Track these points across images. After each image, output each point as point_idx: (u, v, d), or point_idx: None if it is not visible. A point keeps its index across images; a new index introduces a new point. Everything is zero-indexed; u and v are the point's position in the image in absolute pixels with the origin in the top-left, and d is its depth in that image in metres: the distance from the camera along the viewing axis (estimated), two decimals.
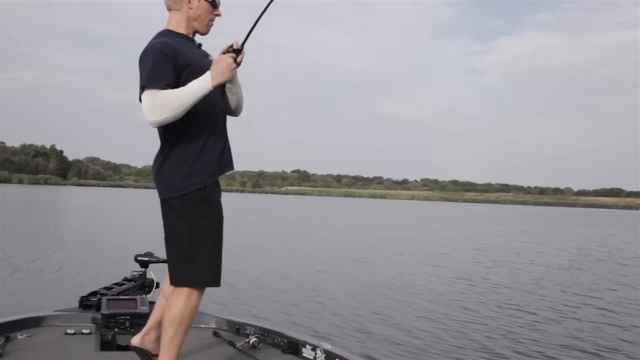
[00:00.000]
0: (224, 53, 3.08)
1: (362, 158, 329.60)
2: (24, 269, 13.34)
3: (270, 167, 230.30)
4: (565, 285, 14.25)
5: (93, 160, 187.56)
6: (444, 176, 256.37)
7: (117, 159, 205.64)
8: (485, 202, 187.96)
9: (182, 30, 3.24)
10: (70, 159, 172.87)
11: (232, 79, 3.23)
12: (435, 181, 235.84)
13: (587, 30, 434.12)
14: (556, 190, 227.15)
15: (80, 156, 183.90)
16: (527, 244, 27.62)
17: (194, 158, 3.14)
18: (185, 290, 3.18)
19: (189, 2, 3.21)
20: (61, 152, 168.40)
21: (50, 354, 3.75)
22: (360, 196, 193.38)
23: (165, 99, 2.95)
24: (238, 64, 3.10)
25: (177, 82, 3.04)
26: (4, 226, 23.52)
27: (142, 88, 3.02)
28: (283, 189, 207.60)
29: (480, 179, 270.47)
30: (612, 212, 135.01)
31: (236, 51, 3.07)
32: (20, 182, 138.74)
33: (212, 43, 3.37)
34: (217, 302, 8.93)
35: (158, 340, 3.39)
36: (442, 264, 17.64)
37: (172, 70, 3.03)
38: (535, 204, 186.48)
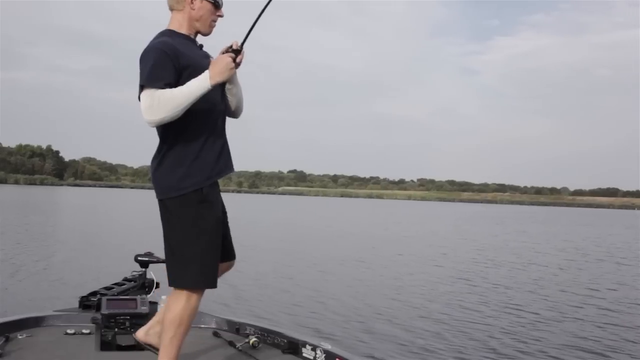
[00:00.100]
0: (223, 53, 3.08)
1: (358, 158, 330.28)
2: (23, 269, 13.33)
3: (266, 167, 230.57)
4: (565, 285, 14.23)
5: (89, 160, 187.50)
6: (441, 176, 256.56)
7: (113, 159, 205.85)
8: (481, 202, 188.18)
9: (183, 30, 3.23)
10: (66, 159, 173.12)
11: (231, 80, 3.22)
12: (432, 181, 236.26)
13: (583, 30, 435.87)
14: (553, 190, 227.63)
15: (77, 156, 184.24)
16: (525, 243, 27.60)
17: (193, 158, 3.12)
18: (184, 292, 3.17)
19: (192, 2, 3.20)
20: (57, 152, 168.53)
21: (50, 354, 3.74)
22: (357, 196, 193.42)
23: (164, 98, 2.94)
24: (237, 65, 3.09)
25: (178, 82, 3.02)
26: (3, 227, 23.49)
27: (141, 87, 3.01)
28: (280, 189, 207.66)
29: (476, 179, 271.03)
30: (608, 211, 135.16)
31: (235, 51, 3.06)
32: (16, 182, 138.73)
33: (211, 43, 3.37)
34: (217, 302, 8.92)
35: None
36: (442, 264, 17.62)
37: (173, 70, 3.02)
38: (532, 203, 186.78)
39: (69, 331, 4.17)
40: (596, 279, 15.60)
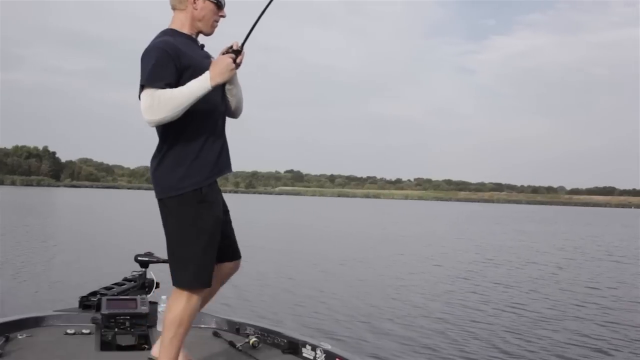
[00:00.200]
0: (223, 54, 3.08)
1: (355, 158, 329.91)
2: (23, 269, 13.37)
3: (263, 168, 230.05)
4: (566, 284, 14.26)
5: (86, 161, 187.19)
6: (437, 176, 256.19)
7: (110, 160, 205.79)
8: (478, 201, 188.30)
9: (185, 30, 3.23)
10: (63, 160, 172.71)
11: (231, 80, 3.22)
12: (429, 181, 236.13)
13: (579, 30, 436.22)
14: (549, 189, 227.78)
15: (73, 157, 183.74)
16: (523, 242, 27.65)
17: (192, 158, 3.12)
18: (185, 292, 3.18)
19: (194, 2, 3.19)
20: (54, 153, 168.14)
21: (50, 354, 3.74)
22: (354, 196, 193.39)
23: (164, 98, 2.94)
24: (238, 65, 3.09)
25: (179, 82, 3.02)
26: (2, 228, 23.48)
27: (142, 87, 3.00)
28: (277, 189, 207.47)
29: (473, 179, 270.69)
30: (605, 210, 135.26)
31: (236, 52, 3.06)
32: (13, 183, 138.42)
33: (210, 44, 3.36)
34: (217, 302, 8.88)
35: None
36: (441, 263, 17.66)
37: (174, 70, 3.01)
38: (529, 202, 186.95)
39: (69, 331, 4.17)
40: (596, 278, 15.63)
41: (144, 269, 4.81)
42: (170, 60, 3.01)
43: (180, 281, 3.18)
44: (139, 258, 4.76)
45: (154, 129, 3.17)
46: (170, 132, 3.12)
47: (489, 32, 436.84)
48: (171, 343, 3.19)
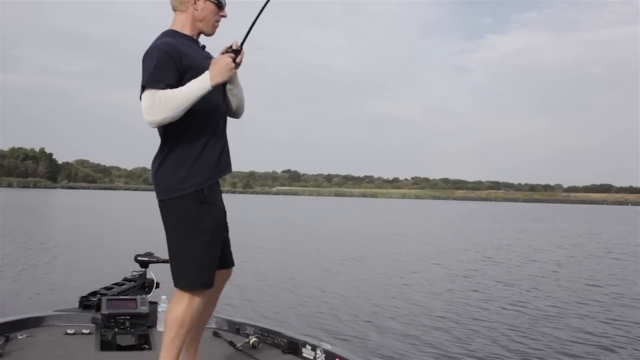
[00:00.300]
0: (223, 54, 3.07)
1: (352, 157, 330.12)
2: (23, 270, 13.41)
3: (260, 168, 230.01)
4: (566, 281, 14.24)
5: (83, 162, 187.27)
6: (435, 174, 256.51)
7: (107, 161, 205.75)
8: (475, 199, 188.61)
9: (186, 31, 3.22)
10: (60, 161, 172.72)
11: (232, 80, 3.22)
12: (426, 179, 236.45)
13: (575, 28, 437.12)
14: (546, 187, 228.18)
15: (70, 159, 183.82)
16: (522, 240, 27.63)
17: (194, 159, 3.12)
18: (187, 293, 3.17)
19: (195, 3, 3.19)
20: (50, 155, 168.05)
21: (50, 354, 3.75)
22: (351, 195, 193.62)
23: (164, 99, 2.93)
24: (238, 65, 3.09)
25: (180, 83, 3.01)
26: (2, 229, 23.49)
27: (143, 88, 3.00)
28: (274, 189, 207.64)
29: (470, 177, 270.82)
30: (602, 207, 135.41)
31: (235, 51, 3.06)
32: (9, 185, 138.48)
33: (209, 45, 3.35)
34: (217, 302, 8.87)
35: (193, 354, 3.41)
36: (440, 262, 17.62)
37: (175, 71, 3.01)
38: (526, 200, 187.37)
39: (69, 331, 4.18)
40: (596, 275, 15.61)
41: (144, 269, 4.82)
42: (171, 61, 3.00)
43: (181, 282, 3.17)
44: (139, 258, 4.76)
45: (154, 131, 3.16)
46: (172, 133, 3.11)
47: (485, 31, 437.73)
48: (172, 343, 3.18)
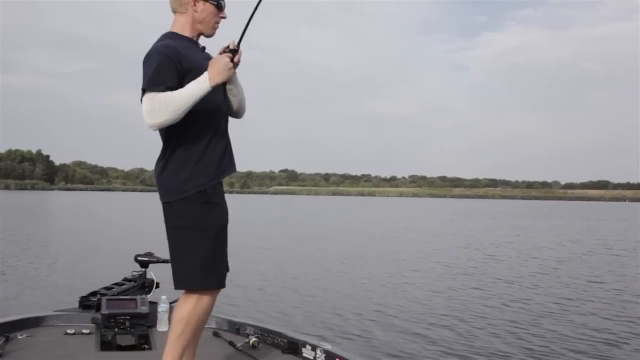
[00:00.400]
0: (220, 54, 3.08)
1: (350, 156, 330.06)
2: (23, 270, 13.45)
3: (258, 167, 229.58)
4: (568, 278, 14.20)
5: (80, 164, 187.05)
6: (432, 172, 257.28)
7: (104, 163, 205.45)
8: (473, 197, 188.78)
9: (186, 33, 3.22)
10: (57, 163, 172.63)
11: (231, 80, 3.21)
12: (423, 177, 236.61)
13: (571, 25, 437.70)
14: (544, 184, 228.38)
15: (67, 160, 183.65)
16: (521, 238, 27.59)
17: (197, 160, 3.12)
18: (196, 293, 3.17)
19: (195, 4, 3.19)
20: (47, 156, 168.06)
21: (50, 354, 3.75)
22: (349, 194, 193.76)
23: (164, 101, 2.94)
24: (236, 64, 3.09)
25: (180, 85, 3.01)
26: (1, 230, 23.49)
27: (143, 91, 3.01)
28: (271, 188, 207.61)
29: (467, 175, 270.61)
30: (600, 204, 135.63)
31: (233, 51, 3.06)
32: (7, 187, 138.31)
33: (210, 45, 3.35)
34: (217, 302, 8.83)
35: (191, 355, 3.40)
36: (441, 260, 17.56)
37: (175, 73, 3.01)
38: (523, 198, 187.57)
39: (69, 331, 4.18)
40: (598, 272, 15.56)
41: (144, 269, 4.82)
42: (171, 63, 3.01)
43: (190, 282, 3.16)
44: (139, 258, 4.76)
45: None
46: (173, 135, 3.12)
47: (481, 29, 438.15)
48: (178, 340, 3.18)
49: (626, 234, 32.11)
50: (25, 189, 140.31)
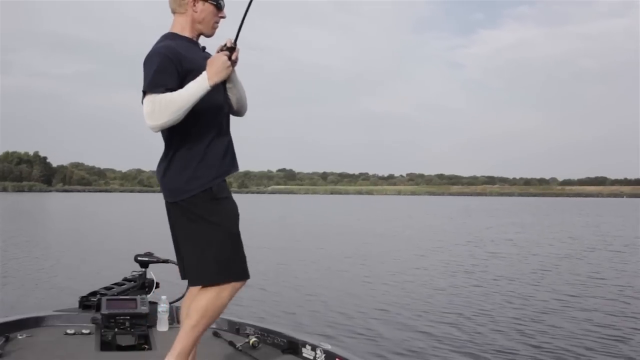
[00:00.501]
0: (218, 52, 3.08)
1: (347, 155, 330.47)
2: (23, 270, 13.47)
3: (255, 167, 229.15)
4: (569, 275, 14.18)
5: (77, 165, 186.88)
6: (430, 170, 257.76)
7: (101, 164, 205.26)
8: (471, 194, 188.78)
9: (186, 33, 3.22)
10: (54, 165, 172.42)
11: (231, 79, 3.20)
12: (421, 175, 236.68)
13: (567, 21, 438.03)
14: (541, 181, 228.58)
15: (65, 162, 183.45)
16: (521, 235, 27.56)
17: (199, 160, 3.12)
18: (214, 287, 3.15)
19: (194, 5, 3.19)
20: (45, 158, 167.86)
21: (50, 354, 3.75)
22: (347, 193, 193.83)
23: (164, 102, 2.94)
24: (234, 62, 3.09)
25: (181, 86, 3.01)
26: (1, 231, 23.50)
27: (144, 93, 3.01)
28: (269, 188, 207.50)
29: (465, 172, 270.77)
30: (598, 200, 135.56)
31: (230, 49, 3.06)
32: (4, 189, 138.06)
33: (210, 45, 3.35)
34: None
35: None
36: (441, 258, 17.52)
37: (175, 74, 3.01)
38: (521, 195, 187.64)
39: (69, 331, 4.18)
40: (599, 268, 15.54)
41: (143, 269, 4.81)
42: (171, 64, 3.01)
43: (206, 278, 3.16)
44: (139, 258, 4.76)
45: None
46: (175, 136, 3.12)
47: (477, 26, 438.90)
48: (192, 330, 3.16)
49: (625, 230, 32.11)
50: (23, 190, 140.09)
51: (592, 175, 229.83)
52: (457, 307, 10.16)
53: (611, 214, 55.18)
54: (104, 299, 4.26)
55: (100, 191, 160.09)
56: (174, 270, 4.55)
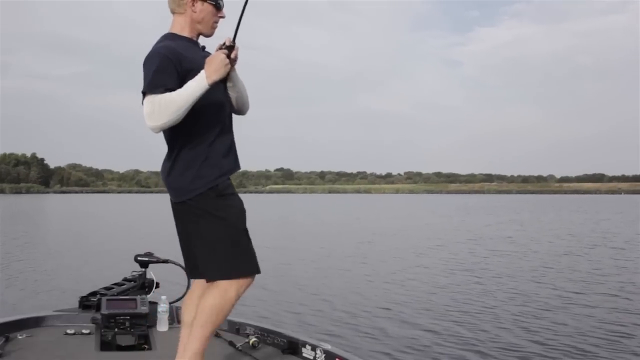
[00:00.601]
0: (217, 51, 3.08)
1: (345, 154, 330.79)
2: (23, 270, 13.51)
3: (253, 167, 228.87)
4: (570, 272, 14.17)
5: (75, 166, 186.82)
6: (428, 169, 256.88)
7: (99, 165, 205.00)
8: (469, 192, 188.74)
9: (186, 33, 3.22)
10: (51, 166, 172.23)
11: (231, 77, 3.20)
12: (419, 174, 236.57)
13: (564, 18, 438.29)
14: (539, 178, 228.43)
15: (62, 163, 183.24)
16: (520, 232, 27.54)
17: (202, 160, 3.12)
18: (223, 284, 3.15)
19: (193, 5, 3.19)
20: (42, 159, 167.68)
21: (50, 354, 3.76)
22: (345, 192, 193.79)
23: (164, 103, 2.93)
24: (233, 60, 3.09)
25: (181, 86, 3.00)
26: (1, 232, 23.51)
27: (143, 94, 3.00)
28: (267, 187, 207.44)
29: (463, 170, 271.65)
30: (595, 197, 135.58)
31: (229, 47, 3.06)
32: (2, 191, 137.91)
33: (210, 45, 3.36)
34: None
35: None
36: (441, 257, 17.50)
37: (175, 75, 3.01)
38: (519, 192, 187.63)
39: (69, 331, 4.18)
40: (598, 265, 15.53)
41: (143, 269, 4.81)
42: (171, 65, 3.01)
43: (215, 274, 3.16)
44: (139, 258, 4.76)
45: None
46: (178, 136, 3.12)
47: (474, 24, 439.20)
48: (202, 329, 3.15)
49: (624, 226, 32.09)
50: (21, 192, 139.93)
51: (590, 172, 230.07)
52: (458, 306, 10.14)
53: (610, 210, 55.14)
54: (104, 299, 4.26)
55: (98, 192, 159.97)
56: (174, 270, 4.57)
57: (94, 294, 4.57)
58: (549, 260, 16.42)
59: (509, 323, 8.83)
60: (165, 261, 4.70)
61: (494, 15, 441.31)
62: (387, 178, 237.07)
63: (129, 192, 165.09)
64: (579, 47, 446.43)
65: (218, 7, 3.24)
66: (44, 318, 4.39)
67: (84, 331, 4.19)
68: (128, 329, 4.12)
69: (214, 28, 3.28)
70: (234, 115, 3.39)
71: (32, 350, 3.80)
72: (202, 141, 3.13)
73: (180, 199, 3.17)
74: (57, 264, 14.75)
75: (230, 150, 3.25)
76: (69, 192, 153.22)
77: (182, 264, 3.48)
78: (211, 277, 3.18)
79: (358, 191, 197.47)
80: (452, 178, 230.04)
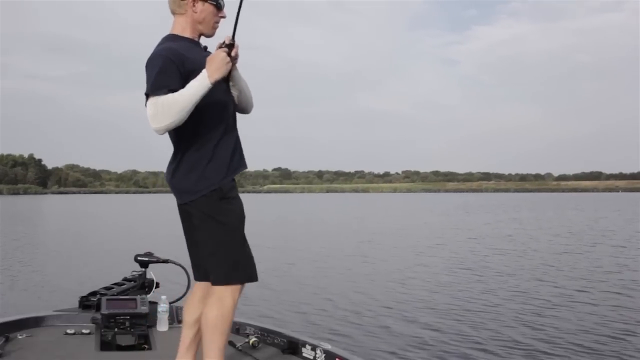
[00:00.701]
0: (217, 49, 3.08)
1: (343, 153, 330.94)
2: (24, 270, 13.54)
3: (251, 166, 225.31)
4: (569, 270, 14.17)
5: (73, 167, 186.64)
6: (425, 167, 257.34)
7: (96, 165, 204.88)
8: (467, 191, 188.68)
9: (187, 34, 3.21)
10: (49, 167, 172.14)
11: (232, 76, 3.20)
12: (417, 173, 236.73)
13: (561, 17, 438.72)
14: (537, 177, 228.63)
15: (60, 164, 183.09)
16: (519, 230, 27.56)
17: (207, 160, 3.12)
18: (218, 291, 3.16)
19: (194, 5, 3.18)
20: (40, 160, 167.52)
21: (50, 354, 3.76)
22: (343, 191, 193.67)
23: (167, 104, 2.92)
24: (234, 58, 3.08)
25: (184, 87, 2.99)
26: (2, 234, 23.51)
27: (146, 96, 3.00)
28: (265, 187, 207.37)
29: (461, 169, 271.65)
30: (593, 195, 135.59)
31: (228, 45, 3.05)
32: None
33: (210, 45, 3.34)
34: None
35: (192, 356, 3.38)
36: (440, 255, 17.49)
37: (178, 76, 3.00)
38: (517, 190, 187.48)
39: (69, 331, 4.18)
40: (597, 263, 15.55)
41: (143, 269, 4.81)
42: (174, 66, 3.00)
43: (217, 279, 3.17)
44: (139, 258, 4.76)
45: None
46: (183, 137, 3.12)
47: (471, 23, 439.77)
48: (214, 339, 3.15)
49: (623, 224, 32.12)
50: (18, 193, 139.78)
51: (587, 170, 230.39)
52: (460, 304, 10.15)
53: (607, 208, 55.18)
54: (104, 298, 4.25)
55: (96, 192, 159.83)
56: (174, 270, 4.57)
57: (94, 293, 4.57)
58: (549, 258, 16.43)
59: (511, 321, 8.83)
60: (165, 261, 4.69)
61: (491, 14, 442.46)
62: (385, 177, 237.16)
63: (127, 192, 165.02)
64: (576, 45, 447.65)
65: (219, 7, 3.23)
66: (44, 318, 4.39)
67: (84, 331, 4.19)
68: (128, 328, 4.12)
69: (215, 28, 3.27)
70: (242, 114, 3.40)
71: (32, 350, 3.80)
72: (207, 142, 3.12)
73: (184, 200, 3.17)
74: (57, 264, 14.79)
75: (236, 150, 3.24)
76: (67, 192, 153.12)
77: (182, 263, 3.48)
78: (213, 281, 3.19)
79: (356, 190, 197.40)
80: (450, 177, 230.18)
